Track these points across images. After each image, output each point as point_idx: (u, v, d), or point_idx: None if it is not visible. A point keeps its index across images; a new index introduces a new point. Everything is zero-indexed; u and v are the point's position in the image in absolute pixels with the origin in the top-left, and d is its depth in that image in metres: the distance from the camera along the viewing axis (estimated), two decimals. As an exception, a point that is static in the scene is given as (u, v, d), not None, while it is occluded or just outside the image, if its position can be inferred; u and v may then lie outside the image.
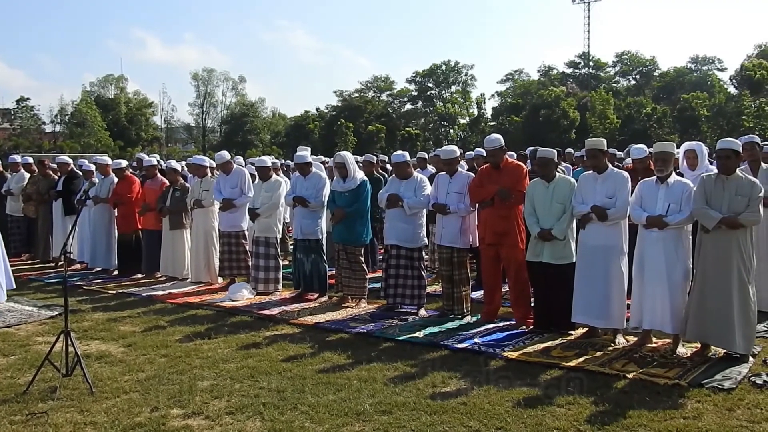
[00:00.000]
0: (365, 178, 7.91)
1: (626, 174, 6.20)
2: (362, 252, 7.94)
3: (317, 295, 8.21)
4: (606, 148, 6.27)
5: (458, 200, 7.06)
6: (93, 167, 11.38)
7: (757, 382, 4.90)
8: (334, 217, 7.73)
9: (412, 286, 7.45)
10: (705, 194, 5.52)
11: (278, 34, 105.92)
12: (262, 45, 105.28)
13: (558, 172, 6.74)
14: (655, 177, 5.88)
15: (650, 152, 6.99)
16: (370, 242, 8.51)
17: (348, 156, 7.86)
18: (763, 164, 7.11)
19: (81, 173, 11.02)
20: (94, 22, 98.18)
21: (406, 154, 7.72)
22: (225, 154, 9.28)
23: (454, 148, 7.47)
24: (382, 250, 9.33)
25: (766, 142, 9.78)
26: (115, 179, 10.20)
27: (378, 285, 8.32)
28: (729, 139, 5.70)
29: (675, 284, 5.66)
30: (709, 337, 5.50)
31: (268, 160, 9.15)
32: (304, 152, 8.56)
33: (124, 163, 10.57)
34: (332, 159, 8.59)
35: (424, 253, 7.77)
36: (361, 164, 9.45)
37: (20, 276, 9.41)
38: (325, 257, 8.29)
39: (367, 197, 7.73)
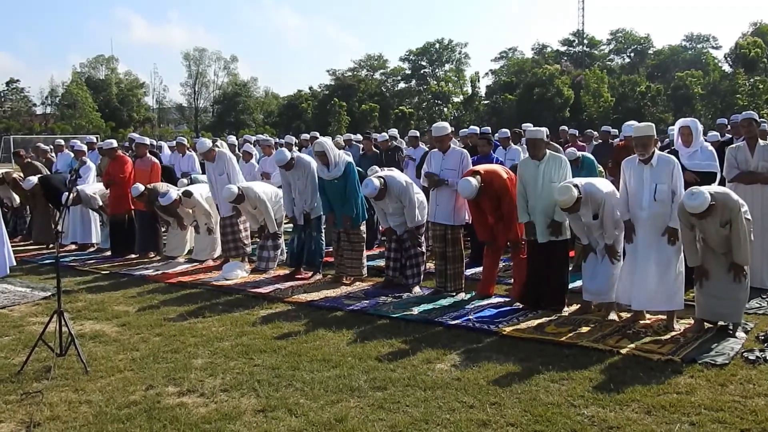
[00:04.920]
0: (348, 159, 7.70)
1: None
2: (363, 230, 7.91)
3: (311, 273, 8.20)
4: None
5: (452, 176, 7.04)
6: (85, 147, 11.35)
7: (750, 357, 4.93)
8: (342, 223, 7.67)
9: (411, 265, 7.46)
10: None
11: (263, 13, 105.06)
12: (248, 24, 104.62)
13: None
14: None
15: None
16: (367, 220, 8.47)
17: (327, 143, 7.61)
18: (760, 141, 7.09)
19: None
20: (75, 2, 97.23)
21: (372, 181, 7.26)
22: (206, 143, 9.03)
23: (445, 124, 7.39)
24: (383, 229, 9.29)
25: (762, 120, 9.81)
26: (92, 167, 10.59)
27: (373, 263, 8.39)
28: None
29: (668, 261, 5.67)
30: (711, 315, 5.55)
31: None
32: (282, 154, 7.93)
33: (115, 142, 10.51)
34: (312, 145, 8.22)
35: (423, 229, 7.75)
36: (361, 143, 9.56)
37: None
38: (323, 236, 8.29)
39: (354, 177, 7.61)
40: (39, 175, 11.08)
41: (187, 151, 12.65)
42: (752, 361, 4.88)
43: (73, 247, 10.73)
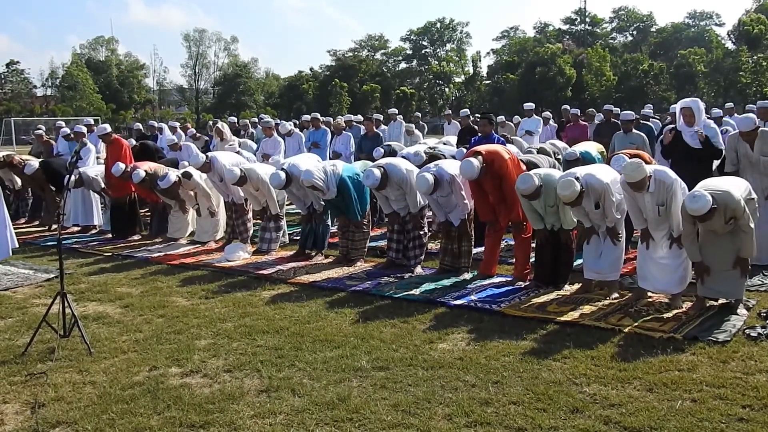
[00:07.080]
0: (339, 174, 7.53)
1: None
2: (368, 215, 7.98)
3: (314, 253, 8.20)
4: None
5: (449, 202, 7.06)
6: (84, 129, 11.33)
7: (752, 334, 4.94)
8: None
9: (413, 246, 7.46)
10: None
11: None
12: (248, 4, 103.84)
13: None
14: None
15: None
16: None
17: (313, 177, 7.30)
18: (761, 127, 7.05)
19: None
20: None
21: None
22: (200, 158, 8.67)
23: (429, 183, 6.77)
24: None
25: (765, 101, 9.77)
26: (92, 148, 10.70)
27: (375, 244, 8.40)
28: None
29: (678, 249, 5.69)
30: (713, 293, 5.56)
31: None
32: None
33: (108, 127, 10.53)
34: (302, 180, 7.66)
35: (425, 211, 7.74)
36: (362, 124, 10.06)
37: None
38: (329, 218, 8.32)
39: (350, 189, 7.53)
40: (40, 160, 11.09)
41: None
42: (754, 337, 4.89)
43: (76, 229, 10.75)
